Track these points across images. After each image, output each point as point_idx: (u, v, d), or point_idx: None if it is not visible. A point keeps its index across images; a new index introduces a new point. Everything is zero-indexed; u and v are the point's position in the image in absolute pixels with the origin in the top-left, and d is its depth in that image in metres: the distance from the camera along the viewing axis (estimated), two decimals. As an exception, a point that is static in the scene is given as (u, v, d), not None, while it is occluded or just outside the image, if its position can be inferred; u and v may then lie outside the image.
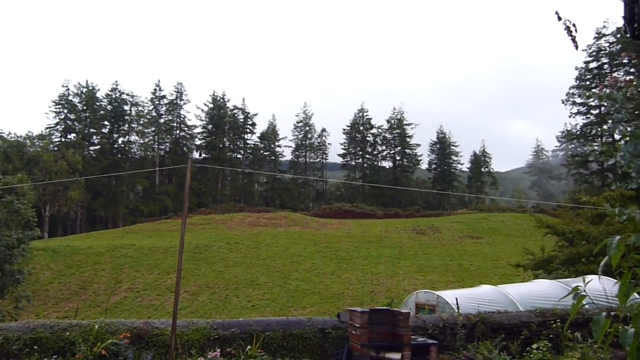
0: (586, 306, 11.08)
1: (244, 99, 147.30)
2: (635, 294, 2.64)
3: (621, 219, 2.74)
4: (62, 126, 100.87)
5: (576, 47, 2.81)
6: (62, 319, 12.03)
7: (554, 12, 2.80)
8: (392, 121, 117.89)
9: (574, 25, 2.74)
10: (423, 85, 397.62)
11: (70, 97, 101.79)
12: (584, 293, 2.83)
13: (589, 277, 6.98)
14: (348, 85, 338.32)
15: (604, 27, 79.04)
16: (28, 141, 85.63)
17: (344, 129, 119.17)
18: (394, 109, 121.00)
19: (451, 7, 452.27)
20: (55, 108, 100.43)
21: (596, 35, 79.65)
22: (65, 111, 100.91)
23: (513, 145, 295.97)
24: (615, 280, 2.83)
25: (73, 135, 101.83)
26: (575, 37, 2.78)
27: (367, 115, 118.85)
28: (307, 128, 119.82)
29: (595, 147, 70.21)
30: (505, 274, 42.22)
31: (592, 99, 76.59)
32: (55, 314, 36.27)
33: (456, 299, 14.37)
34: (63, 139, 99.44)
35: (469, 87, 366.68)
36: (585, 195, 32.07)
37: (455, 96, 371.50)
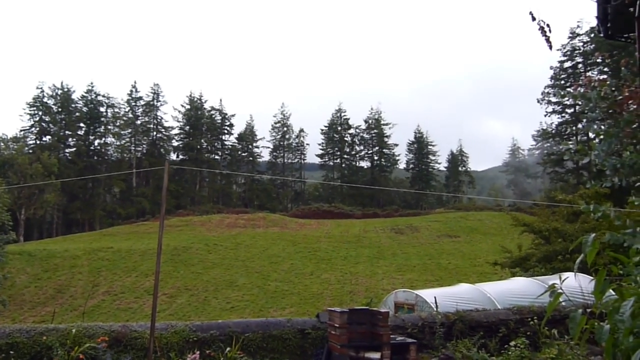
0: (563, 303, 11.21)
1: (221, 100, 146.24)
2: (611, 290, 2.67)
3: (596, 216, 2.78)
4: (37, 128, 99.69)
5: (550, 47, 2.84)
6: (38, 324, 11.89)
7: (528, 13, 2.84)
8: (370, 121, 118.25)
9: (547, 25, 2.76)
10: (399, 85, 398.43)
11: (45, 99, 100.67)
12: (560, 290, 2.86)
13: (565, 275, 7.05)
14: (326, 85, 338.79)
15: (578, 26, 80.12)
16: (2, 144, 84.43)
17: (322, 129, 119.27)
18: (372, 109, 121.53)
19: (426, 8, 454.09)
20: (30, 110, 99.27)
21: (570, 35, 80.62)
22: (40, 113, 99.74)
23: (489, 145, 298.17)
24: (591, 278, 2.87)
25: (48, 137, 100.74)
26: (549, 37, 2.81)
27: (344, 115, 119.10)
28: (285, 129, 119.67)
29: (571, 146, 71.05)
30: (483, 272, 42.54)
31: (566, 98, 77.55)
32: (31, 319, 35.81)
33: (435, 297, 14.42)
34: (38, 142, 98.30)
35: (444, 86, 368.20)
36: (561, 194, 32.45)
37: (430, 96, 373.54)
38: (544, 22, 2.72)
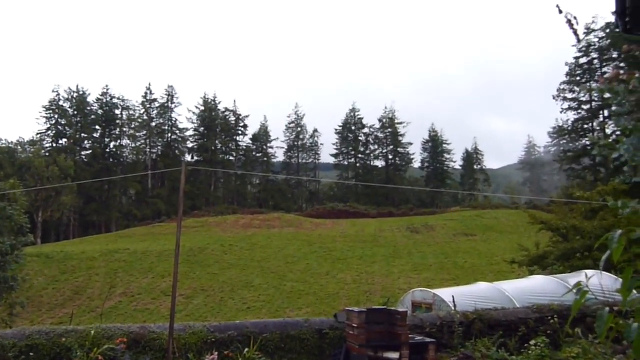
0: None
1: (235, 101, 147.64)
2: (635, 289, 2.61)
3: (625, 211, 2.72)
4: (53, 131, 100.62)
5: (578, 40, 2.80)
6: (57, 325, 11.97)
7: (555, 5, 2.80)
8: (384, 120, 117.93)
9: (574, 17, 2.73)
10: (400, 82, 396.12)
11: (61, 102, 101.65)
12: (586, 289, 2.81)
13: (589, 273, 6.96)
14: (339, 85, 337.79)
15: (593, 22, 79.29)
16: (19, 147, 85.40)
17: (336, 129, 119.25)
18: (385, 107, 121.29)
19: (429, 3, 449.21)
20: (46, 113, 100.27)
21: (585, 31, 79.74)
22: (56, 116, 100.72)
23: (495, 142, 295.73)
24: (613, 276, 2.82)
25: (64, 140, 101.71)
26: (576, 29, 2.78)
27: (358, 114, 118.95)
28: (299, 129, 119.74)
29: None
30: (500, 271, 42.29)
31: (582, 94, 76.98)
32: (50, 320, 36.09)
33: (452, 296, 14.36)
34: (54, 144, 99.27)
35: (443, 83, 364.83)
36: (578, 190, 32.13)
37: (430, 93, 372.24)
38: (572, 15, 2.69)
